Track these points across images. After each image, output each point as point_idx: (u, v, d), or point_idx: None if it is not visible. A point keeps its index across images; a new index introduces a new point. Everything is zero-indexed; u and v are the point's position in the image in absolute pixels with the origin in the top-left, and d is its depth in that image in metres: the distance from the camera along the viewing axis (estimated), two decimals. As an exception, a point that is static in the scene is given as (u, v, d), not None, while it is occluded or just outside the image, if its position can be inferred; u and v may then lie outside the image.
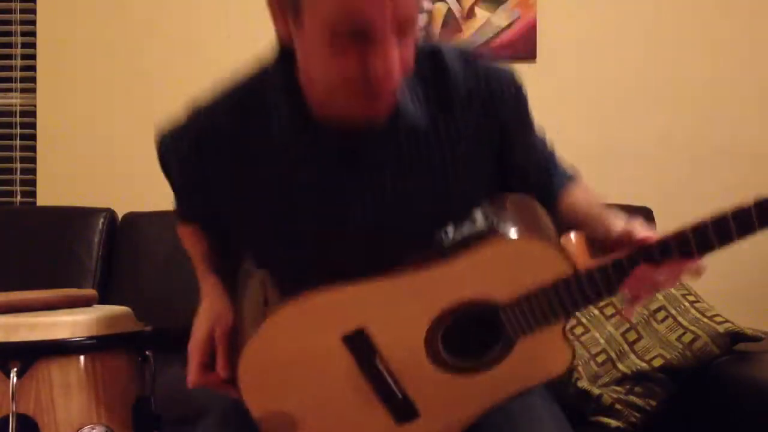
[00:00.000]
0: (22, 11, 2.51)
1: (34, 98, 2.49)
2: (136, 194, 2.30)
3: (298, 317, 0.91)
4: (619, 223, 0.94)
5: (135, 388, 1.33)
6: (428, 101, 0.97)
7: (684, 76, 2.36)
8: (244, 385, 0.93)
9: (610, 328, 1.69)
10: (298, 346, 0.92)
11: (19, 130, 2.51)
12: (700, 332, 1.63)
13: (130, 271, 2.12)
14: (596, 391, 1.61)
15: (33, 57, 2.49)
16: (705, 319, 1.66)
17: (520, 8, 2.35)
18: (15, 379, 1.20)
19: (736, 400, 1.55)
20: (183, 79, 2.42)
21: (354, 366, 0.93)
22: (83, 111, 2.46)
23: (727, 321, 1.65)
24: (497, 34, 2.35)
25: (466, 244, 0.89)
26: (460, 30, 2.36)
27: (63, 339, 1.25)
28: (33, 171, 2.50)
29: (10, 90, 2.52)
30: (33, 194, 2.49)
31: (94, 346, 1.27)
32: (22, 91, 2.52)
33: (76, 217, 2.19)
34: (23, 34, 2.51)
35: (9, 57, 2.52)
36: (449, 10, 2.36)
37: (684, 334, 1.64)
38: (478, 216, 0.91)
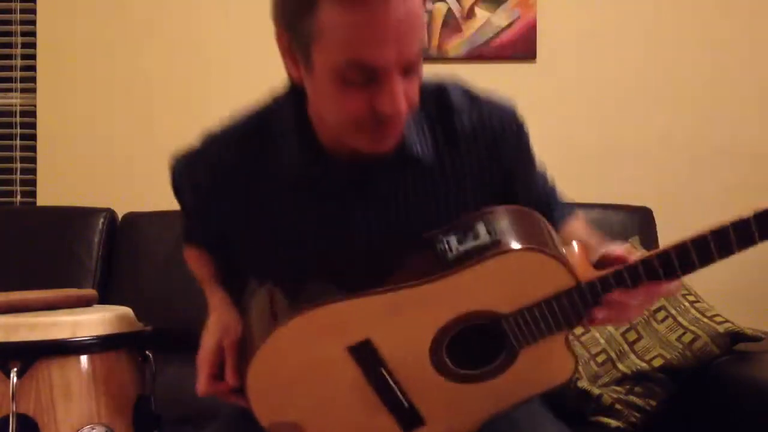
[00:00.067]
0: (22, 11, 2.51)
1: (34, 98, 2.49)
2: (136, 194, 2.31)
3: (306, 328, 0.92)
4: (617, 249, 0.96)
5: (135, 388, 1.33)
6: (434, 136, 1.02)
7: (684, 76, 2.35)
8: (252, 394, 0.94)
9: (610, 328, 1.69)
10: (305, 356, 0.93)
11: (19, 130, 2.51)
12: (700, 332, 1.63)
13: (130, 271, 2.13)
14: (596, 391, 1.61)
15: (33, 57, 2.49)
16: (705, 319, 1.66)
17: (520, 8, 2.34)
18: (15, 379, 1.20)
19: (736, 400, 1.55)
20: (183, 79, 2.43)
21: (360, 375, 0.95)
22: (83, 111, 2.46)
23: (727, 321, 1.65)
24: (497, 34, 2.34)
25: (470, 256, 0.91)
26: (460, 30, 2.36)
27: (63, 339, 1.25)
28: (33, 171, 2.50)
29: (10, 90, 2.52)
30: (33, 194, 2.49)
31: (95, 346, 1.27)
32: (22, 91, 2.52)
33: (76, 217, 2.19)
34: (23, 34, 2.51)
35: (9, 57, 2.52)
36: (449, 10, 2.36)
37: (684, 334, 1.64)
38: (482, 229, 0.93)
